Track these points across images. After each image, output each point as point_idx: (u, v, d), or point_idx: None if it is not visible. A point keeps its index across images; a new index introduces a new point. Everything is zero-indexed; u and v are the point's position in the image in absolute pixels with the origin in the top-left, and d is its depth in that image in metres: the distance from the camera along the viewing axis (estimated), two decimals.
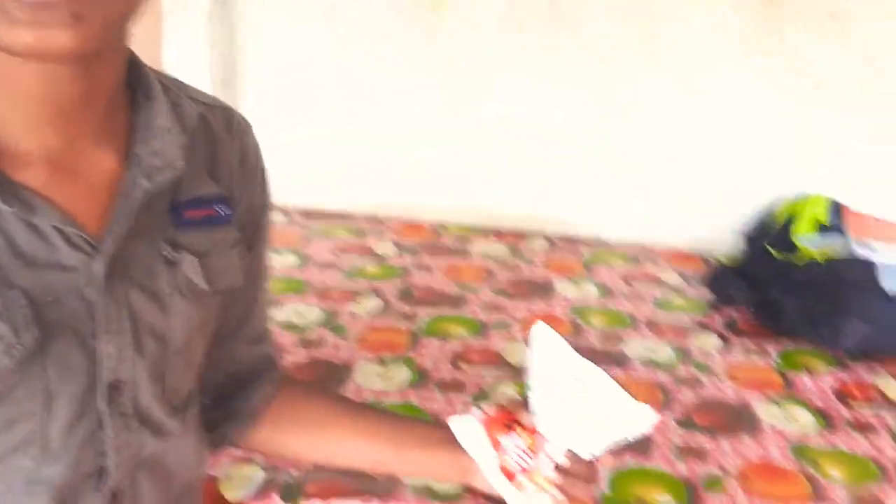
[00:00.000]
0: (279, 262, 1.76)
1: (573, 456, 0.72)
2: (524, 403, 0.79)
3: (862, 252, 1.60)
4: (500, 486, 0.78)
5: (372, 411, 0.84)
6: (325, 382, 1.31)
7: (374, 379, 1.33)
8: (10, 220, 0.54)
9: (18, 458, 0.57)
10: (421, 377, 1.35)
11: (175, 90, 0.65)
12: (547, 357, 0.77)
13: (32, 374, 0.55)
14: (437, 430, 0.78)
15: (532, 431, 0.73)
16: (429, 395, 1.29)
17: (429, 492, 1.07)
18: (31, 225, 0.54)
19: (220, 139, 0.69)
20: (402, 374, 1.35)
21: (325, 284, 1.67)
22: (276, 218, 1.96)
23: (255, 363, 0.80)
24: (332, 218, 2.02)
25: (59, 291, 0.56)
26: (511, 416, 0.80)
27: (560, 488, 0.70)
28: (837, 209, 1.80)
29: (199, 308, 0.65)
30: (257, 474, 1.08)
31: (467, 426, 0.75)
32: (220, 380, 0.77)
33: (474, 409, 0.79)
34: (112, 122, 0.60)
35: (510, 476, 0.79)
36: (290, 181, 2.03)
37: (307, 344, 1.43)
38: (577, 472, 0.69)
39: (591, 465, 0.71)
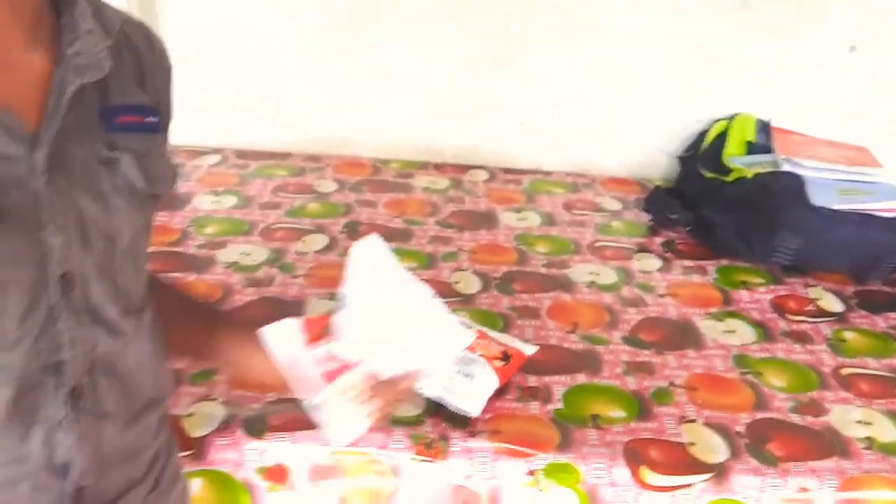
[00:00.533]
0: (219, 203, 1.71)
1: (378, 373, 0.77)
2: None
3: (790, 168, 1.65)
4: (309, 386, 0.79)
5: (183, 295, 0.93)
6: (276, 319, 1.29)
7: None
8: None
9: None
10: None
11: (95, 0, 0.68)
12: (368, 272, 0.77)
13: None
14: (222, 322, 0.88)
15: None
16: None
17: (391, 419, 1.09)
18: None
19: (144, 54, 0.74)
20: None
21: (268, 224, 1.64)
22: (210, 159, 1.91)
23: None
24: (268, 158, 1.97)
25: (3, 179, 0.59)
26: (322, 328, 0.80)
27: (367, 395, 0.78)
28: (765, 128, 1.86)
29: (140, 209, 0.70)
30: (218, 411, 1.08)
31: (278, 333, 0.81)
32: None
33: (286, 322, 0.82)
34: (40, 26, 0.64)
35: (326, 378, 0.79)
36: (223, 121, 1.98)
37: (256, 283, 1.41)
38: (385, 383, 0.78)
39: (393, 382, 0.78)
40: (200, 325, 0.88)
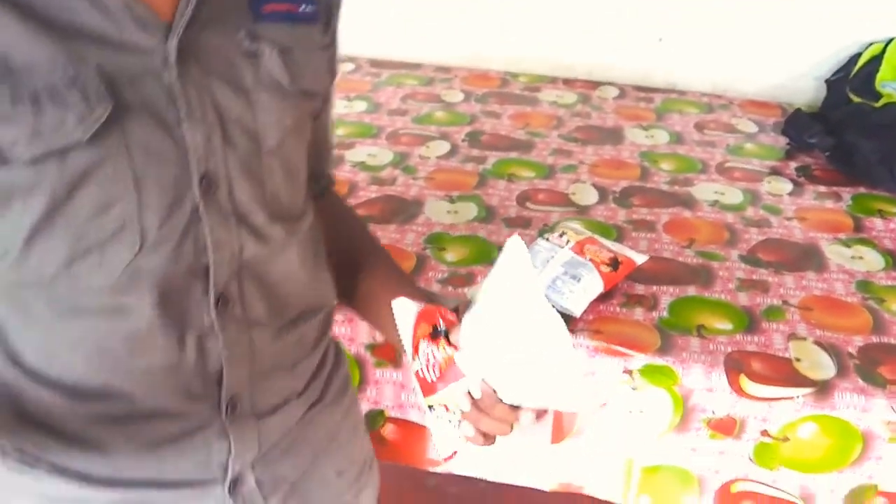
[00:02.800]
0: (350, 108, 1.78)
1: (492, 393, 0.66)
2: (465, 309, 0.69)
3: None
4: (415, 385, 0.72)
5: (379, 256, 0.86)
6: (397, 215, 1.36)
7: (443, 214, 1.37)
8: None
9: (116, 247, 0.58)
10: (488, 213, 1.38)
11: None
12: (508, 281, 0.65)
13: (115, 152, 0.56)
14: (407, 289, 0.80)
15: (455, 348, 0.67)
16: (495, 230, 1.33)
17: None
18: (96, 3, 0.55)
19: None
20: (470, 210, 1.39)
21: (395, 129, 1.69)
22: (344, 67, 1.98)
23: (319, 173, 0.83)
24: (400, 67, 2.02)
25: (133, 72, 0.57)
26: (449, 320, 0.70)
27: (467, 418, 0.68)
28: None
29: (288, 107, 0.66)
30: None
31: (404, 312, 0.73)
32: None
33: (410, 302, 0.73)
34: None
35: (424, 385, 0.70)
36: (359, 30, 2.03)
37: (379, 182, 1.47)
38: (491, 407, 0.67)
39: (512, 409, 0.67)
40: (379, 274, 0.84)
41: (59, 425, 0.64)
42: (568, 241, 1.21)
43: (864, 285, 1.23)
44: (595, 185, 1.50)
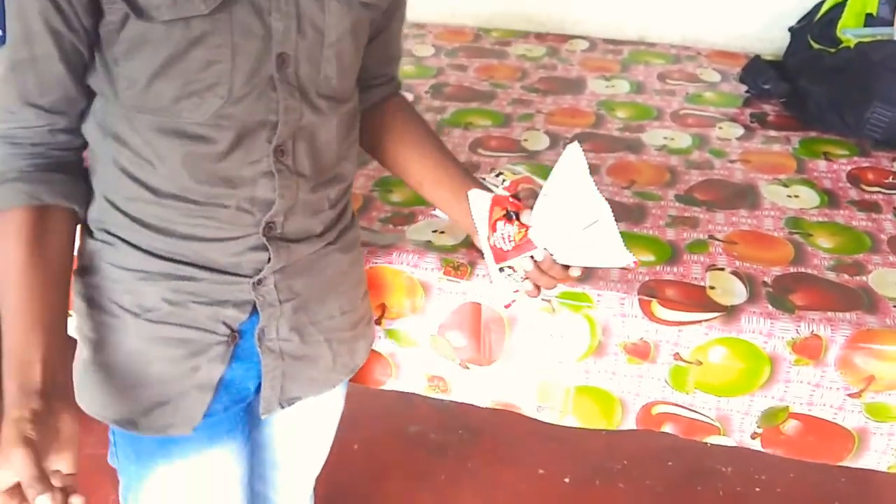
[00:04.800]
0: None
1: (551, 258, 0.90)
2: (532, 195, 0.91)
3: None
4: (486, 255, 0.95)
5: (441, 151, 1.09)
6: None
7: None
8: None
9: (212, 96, 0.80)
10: None
11: None
12: (568, 176, 0.87)
13: (222, 26, 0.78)
14: (467, 184, 1.01)
15: (525, 228, 0.90)
16: None
17: (428, 245, 1.19)
18: None
19: None
20: None
21: None
22: None
23: (378, 78, 1.06)
24: None
25: None
26: (516, 205, 0.92)
27: (530, 276, 0.93)
28: (890, 0, 1.72)
29: (350, 13, 0.87)
30: None
31: (479, 200, 0.96)
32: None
33: (483, 193, 0.96)
34: None
35: (497, 253, 0.93)
36: None
37: None
38: (549, 268, 0.91)
39: (564, 268, 0.91)
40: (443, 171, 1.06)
41: (137, 215, 0.86)
42: (504, 181, 1.26)
43: (794, 221, 1.27)
44: (548, 133, 1.55)
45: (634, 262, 0.88)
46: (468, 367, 1.19)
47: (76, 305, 0.93)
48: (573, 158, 0.86)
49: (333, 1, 0.84)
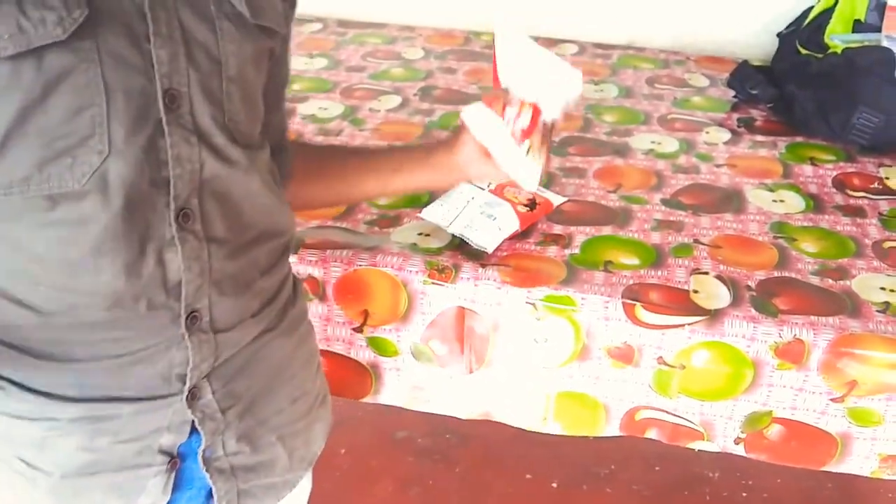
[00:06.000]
0: (311, 65, 1.84)
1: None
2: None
3: (889, 45, 1.55)
4: (510, 150, 0.96)
5: (372, 150, 1.03)
6: None
7: None
8: None
9: (87, 151, 0.63)
10: None
11: None
12: (508, 43, 0.96)
13: (88, 57, 0.61)
14: (422, 147, 0.99)
15: (521, 103, 0.94)
16: None
17: (413, 247, 1.19)
18: None
19: None
20: None
21: (350, 84, 1.75)
22: (312, 27, 2.04)
23: (281, 135, 0.92)
24: (367, 27, 2.07)
25: None
26: (500, 99, 0.96)
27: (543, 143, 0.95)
28: (879, 6, 1.73)
29: (248, 39, 0.72)
30: None
31: (476, 111, 0.96)
32: None
33: (474, 106, 0.98)
34: None
35: (523, 133, 0.95)
36: None
37: (326, 132, 1.53)
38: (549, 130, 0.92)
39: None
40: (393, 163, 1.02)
41: (24, 344, 0.69)
42: (489, 184, 1.26)
43: (779, 226, 1.27)
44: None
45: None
46: (451, 377, 1.18)
47: None
48: (506, 27, 0.98)
49: (226, 21, 0.69)
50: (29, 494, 0.76)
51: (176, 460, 0.78)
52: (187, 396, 0.75)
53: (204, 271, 0.72)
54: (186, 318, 0.72)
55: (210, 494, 0.82)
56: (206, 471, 0.80)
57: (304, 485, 0.99)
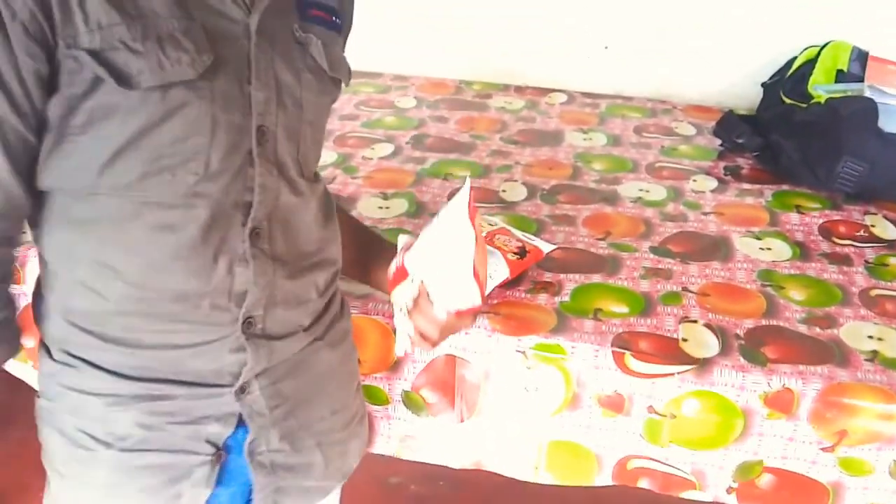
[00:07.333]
0: None
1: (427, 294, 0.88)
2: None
3: (871, 95, 1.58)
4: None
5: (363, 230, 1.06)
6: None
7: (374, 209, 1.45)
8: None
9: (185, 172, 0.73)
10: (418, 208, 1.46)
11: None
12: (453, 209, 0.86)
13: (203, 95, 0.72)
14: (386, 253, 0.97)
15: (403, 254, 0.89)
16: (422, 223, 1.39)
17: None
18: None
19: None
20: (401, 206, 1.46)
21: (343, 133, 1.77)
22: None
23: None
24: (361, 76, 2.10)
25: (225, 34, 0.74)
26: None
27: (411, 316, 0.90)
28: (861, 57, 1.77)
29: (324, 89, 0.83)
30: None
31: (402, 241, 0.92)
32: None
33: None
34: None
35: (389, 283, 0.91)
36: None
37: None
38: (426, 308, 0.88)
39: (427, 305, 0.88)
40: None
41: (98, 329, 0.78)
42: (482, 232, 1.27)
43: (767, 274, 1.29)
44: (526, 184, 1.57)
45: (481, 301, 0.87)
46: (442, 426, 1.18)
47: (44, 435, 0.86)
48: (462, 192, 0.86)
49: (307, 73, 0.80)
50: (88, 466, 0.82)
51: (221, 453, 0.84)
52: (237, 390, 0.83)
53: (269, 285, 0.81)
54: (243, 323, 0.80)
55: (250, 495, 0.88)
56: (250, 464, 0.86)
57: (333, 501, 1.06)
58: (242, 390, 0.83)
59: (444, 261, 0.87)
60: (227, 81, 0.73)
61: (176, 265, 0.76)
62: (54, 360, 0.81)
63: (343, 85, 0.89)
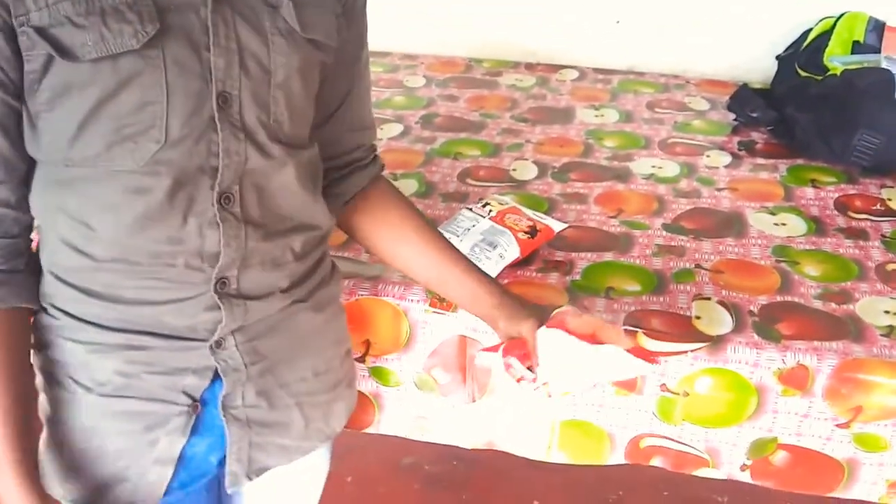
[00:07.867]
0: None
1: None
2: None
3: (888, 66, 1.55)
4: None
5: (443, 241, 1.04)
6: None
7: None
8: None
9: (147, 139, 0.76)
10: (428, 189, 1.45)
11: None
12: (554, 350, 0.90)
13: (155, 63, 0.74)
14: (497, 290, 0.99)
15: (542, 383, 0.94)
16: (431, 204, 1.40)
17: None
18: None
19: None
20: (411, 186, 1.45)
21: None
22: None
23: (354, 151, 1.00)
24: (370, 56, 2.08)
25: (180, 3, 0.75)
26: (526, 354, 0.95)
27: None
28: (878, 27, 1.73)
29: (297, 51, 0.82)
30: None
31: (486, 359, 0.99)
32: (324, 161, 0.94)
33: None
34: None
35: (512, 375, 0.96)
36: None
37: None
38: None
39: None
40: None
41: (81, 284, 0.83)
42: (490, 211, 1.27)
43: (781, 249, 1.27)
44: (537, 162, 1.55)
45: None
46: (454, 407, 1.18)
47: (37, 383, 0.90)
48: (550, 337, 0.92)
49: (278, 36, 0.80)
50: (72, 408, 0.87)
51: (197, 404, 0.87)
52: (212, 345, 0.86)
53: (240, 248, 0.83)
54: (217, 283, 0.83)
55: (224, 446, 0.91)
56: (224, 416, 0.89)
57: (320, 465, 1.08)
58: (218, 345, 0.86)
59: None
60: (180, 49, 0.75)
61: (148, 225, 0.79)
62: (46, 313, 0.86)
63: (331, 45, 0.87)
